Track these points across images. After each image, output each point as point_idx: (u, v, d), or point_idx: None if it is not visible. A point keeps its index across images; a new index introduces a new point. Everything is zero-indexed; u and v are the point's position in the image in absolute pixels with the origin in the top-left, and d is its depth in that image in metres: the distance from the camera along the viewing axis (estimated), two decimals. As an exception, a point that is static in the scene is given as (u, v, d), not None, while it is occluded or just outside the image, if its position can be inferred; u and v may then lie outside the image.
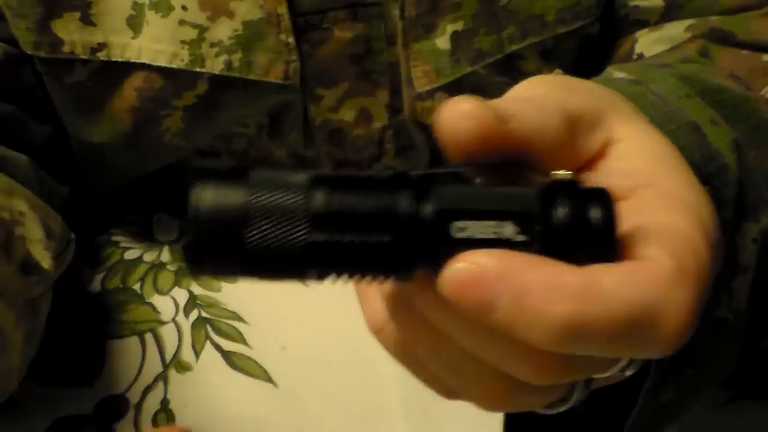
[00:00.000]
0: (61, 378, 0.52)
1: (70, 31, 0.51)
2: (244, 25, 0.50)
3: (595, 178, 0.28)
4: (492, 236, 0.24)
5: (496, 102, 0.26)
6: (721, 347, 0.37)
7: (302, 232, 0.23)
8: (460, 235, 0.24)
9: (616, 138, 0.29)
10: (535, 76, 0.30)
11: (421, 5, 0.51)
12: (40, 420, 0.50)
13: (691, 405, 0.38)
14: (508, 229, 0.24)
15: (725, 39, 0.50)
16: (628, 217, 0.26)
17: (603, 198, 0.24)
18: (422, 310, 0.27)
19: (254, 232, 0.23)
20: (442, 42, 0.52)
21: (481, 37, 0.53)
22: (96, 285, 0.58)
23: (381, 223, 0.24)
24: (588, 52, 0.58)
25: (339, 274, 0.25)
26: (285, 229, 0.23)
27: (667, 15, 0.54)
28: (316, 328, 0.55)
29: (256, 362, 0.53)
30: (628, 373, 0.29)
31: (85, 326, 0.55)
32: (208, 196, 0.24)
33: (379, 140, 0.56)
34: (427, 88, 0.53)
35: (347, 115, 0.55)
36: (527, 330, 0.23)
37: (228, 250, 0.23)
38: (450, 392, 0.31)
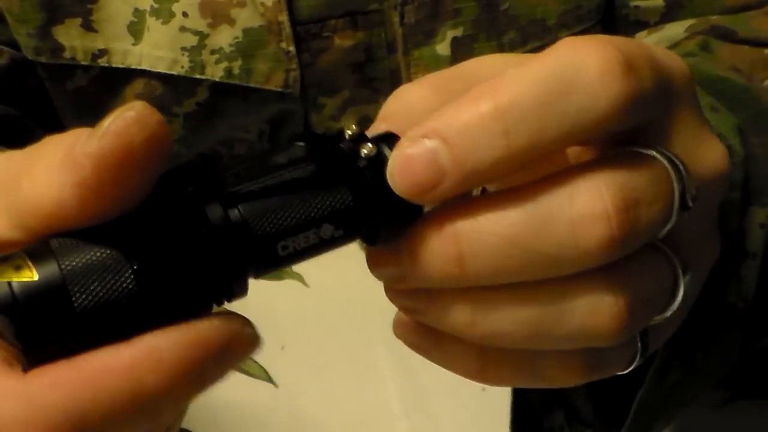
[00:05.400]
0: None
1: (71, 37, 0.51)
2: (245, 32, 0.50)
3: None
4: (317, 242, 0.24)
5: None
6: (730, 333, 0.37)
7: (126, 275, 0.22)
8: (285, 252, 0.24)
9: None
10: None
11: (421, 12, 0.51)
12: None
13: (699, 391, 0.37)
14: (327, 231, 0.24)
15: (726, 36, 0.50)
16: None
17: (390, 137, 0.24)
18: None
19: (81, 295, 0.22)
20: (443, 48, 0.52)
21: (481, 42, 0.53)
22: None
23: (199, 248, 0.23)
24: None
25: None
26: (109, 280, 0.22)
27: (667, 15, 0.54)
28: (316, 328, 0.55)
29: (255, 362, 0.53)
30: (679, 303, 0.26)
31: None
32: (16, 284, 0.22)
33: None
34: None
35: (348, 122, 0.55)
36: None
37: (64, 324, 0.22)
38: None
